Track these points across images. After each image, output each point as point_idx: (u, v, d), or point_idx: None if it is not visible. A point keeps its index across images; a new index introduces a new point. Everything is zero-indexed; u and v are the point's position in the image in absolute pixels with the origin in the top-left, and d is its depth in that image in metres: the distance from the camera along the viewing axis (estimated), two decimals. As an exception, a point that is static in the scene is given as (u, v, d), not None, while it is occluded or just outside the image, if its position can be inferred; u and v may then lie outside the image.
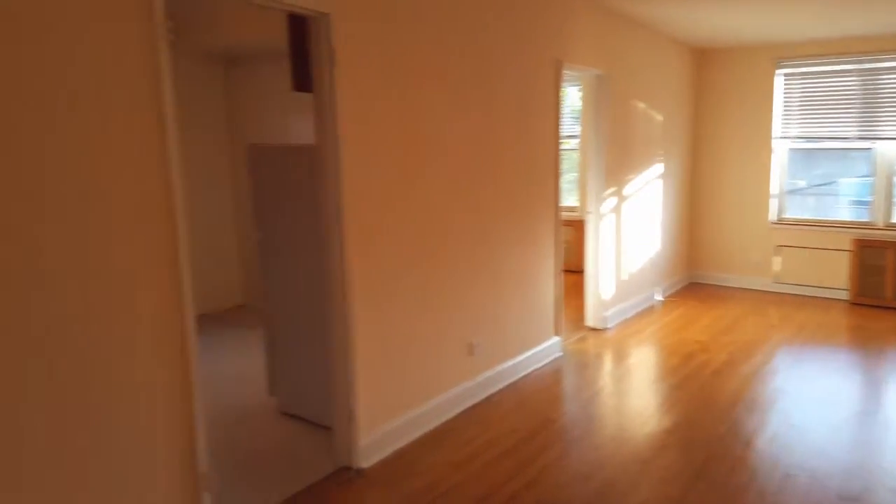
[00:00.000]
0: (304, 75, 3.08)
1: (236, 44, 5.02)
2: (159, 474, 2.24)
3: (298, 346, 3.45)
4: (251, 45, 5.00)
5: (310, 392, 3.43)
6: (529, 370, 4.42)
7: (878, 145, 6.40)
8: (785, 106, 6.82)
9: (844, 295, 6.56)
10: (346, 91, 2.87)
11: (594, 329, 5.49)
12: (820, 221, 6.79)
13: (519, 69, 4.08)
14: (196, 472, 2.36)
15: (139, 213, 2.14)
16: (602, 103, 5.25)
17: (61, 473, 1.98)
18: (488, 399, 3.92)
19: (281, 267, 3.47)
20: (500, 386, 4.11)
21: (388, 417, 3.22)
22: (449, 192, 3.55)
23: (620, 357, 4.80)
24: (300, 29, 3.04)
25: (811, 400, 3.90)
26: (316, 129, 2.91)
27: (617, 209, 5.59)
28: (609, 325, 5.55)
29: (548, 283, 4.63)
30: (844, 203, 6.84)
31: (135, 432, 2.17)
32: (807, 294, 6.81)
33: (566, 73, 4.96)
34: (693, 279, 7.52)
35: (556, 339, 4.76)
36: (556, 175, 4.62)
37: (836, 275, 6.62)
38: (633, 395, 4.08)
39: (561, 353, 4.80)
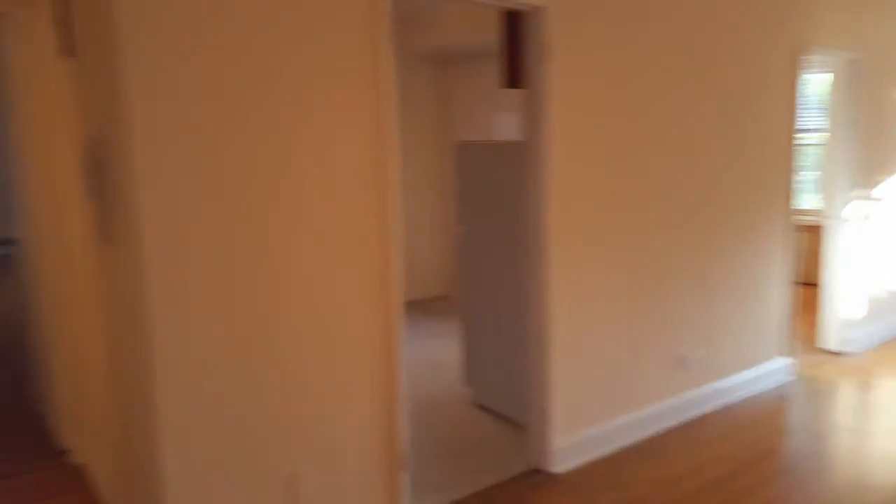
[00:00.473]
0: (514, 72, 3.09)
1: (449, 44, 5.22)
2: (365, 448, 2.40)
3: (495, 340, 3.49)
4: (463, 44, 5.16)
5: (504, 386, 3.44)
6: (748, 392, 3.97)
7: None
8: None
9: None
10: (557, 87, 2.82)
11: (832, 352, 4.76)
12: None
13: (749, 56, 3.67)
14: (395, 452, 2.47)
15: (360, 211, 2.30)
16: (854, 92, 4.53)
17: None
18: (698, 419, 3.60)
19: (480, 260, 3.53)
20: (712, 406, 3.74)
21: (584, 423, 3.11)
22: (661, 192, 3.31)
23: (865, 388, 4.11)
24: (514, 25, 3.05)
25: None
26: (523, 126, 2.90)
27: (869, 213, 4.79)
28: (853, 350, 4.78)
29: (775, 297, 4.12)
30: None
31: (347, 407, 2.34)
32: None
33: (812, 58, 4.36)
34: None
35: (783, 360, 4.22)
36: (789, 173, 4.09)
37: None
38: (880, 435, 3.46)
39: (789, 377, 4.24)
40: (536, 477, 2.95)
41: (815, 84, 6.80)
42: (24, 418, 3.37)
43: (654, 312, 3.37)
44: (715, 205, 3.61)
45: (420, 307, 5.83)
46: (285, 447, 2.21)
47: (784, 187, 4.07)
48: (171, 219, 1.88)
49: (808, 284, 6.36)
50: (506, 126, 5.67)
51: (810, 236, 6.85)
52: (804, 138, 7.19)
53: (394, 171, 2.36)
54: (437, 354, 4.57)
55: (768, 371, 4.10)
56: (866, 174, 4.73)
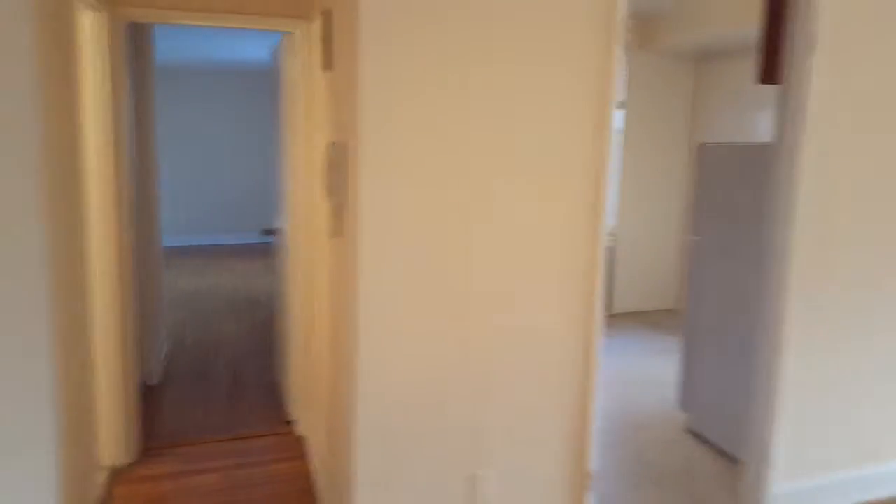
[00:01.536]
0: (772, 65, 2.73)
1: (707, 39, 4.77)
2: (551, 462, 2.37)
3: (718, 362, 3.17)
4: (722, 38, 4.67)
5: (724, 415, 3.12)
6: None
7: None
8: None
9: None
10: (823, 81, 2.41)
11: None
12: None
13: None
14: (582, 470, 2.40)
15: (571, 220, 2.23)
16: None
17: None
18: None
19: (712, 275, 3.21)
20: None
21: (817, 470, 2.70)
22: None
23: None
24: (777, 14, 2.68)
25: None
26: (776, 125, 2.56)
27: None
28: None
29: None
30: None
31: (537, 418, 2.32)
32: None
33: None
34: None
35: None
36: None
37: None
38: None
39: None
40: (750, 522, 2.66)
41: None
42: (268, 388, 3.85)
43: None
44: None
45: (649, 319, 5.53)
46: (471, 450, 2.24)
47: None
48: (390, 218, 2.00)
49: None
50: (747, 126, 5.06)
51: None
52: None
53: (606, 179, 2.25)
54: (657, 372, 4.28)
55: None
56: None
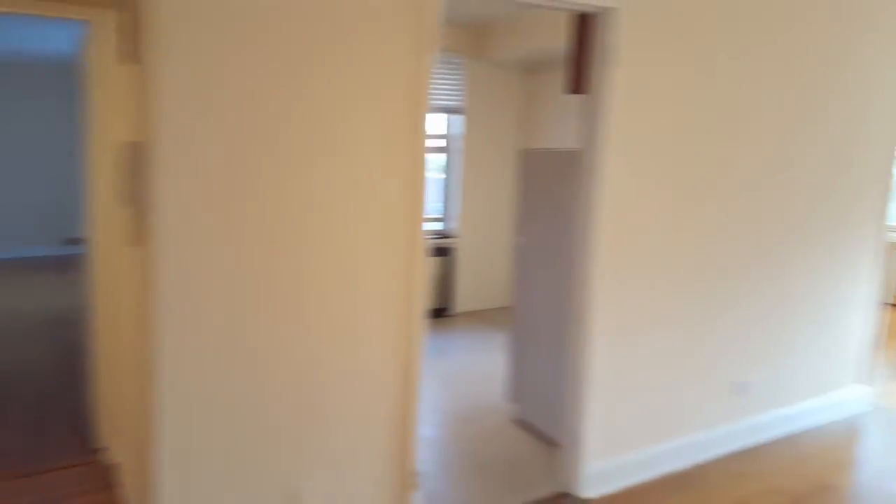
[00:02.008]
0: (579, 77, 2.97)
1: (534, 50, 5.09)
2: (374, 465, 2.39)
3: (542, 356, 3.39)
4: (548, 51, 5.00)
5: (547, 404, 3.34)
6: (819, 421, 3.70)
7: None
8: None
9: None
10: (622, 93, 2.66)
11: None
12: None
13: (848, 59, 3.34)
14: (406, 471, 2.45)
15: (388, 219, 2.27)
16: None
17: (291, 450, 2.24)
18: (753, 449, 3.38)
19: (535, 273, 3.43)
20: (771, 435, 3.51)
21: (623, 447, 2.98)
22: (734, 211, 3.10)
23: (956, 425, 3.75)
24: (583, 29, 2.92)
25: None
26: (581, 133, 2.79)
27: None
28: (946, 379, 4.38)
29: (858, 320, 3.80)
30: None
31: (357, 422, 2.33)
32: None
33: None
34: None
35: (861, 388, 3.91)
36: (885, 190, 3.73)
37: None
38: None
39: (866, 407, 3.93)
40: (564, 501, 2.86)
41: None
42: (75, 414, 3.50)
43: (714, 333, 3.18)
44: (797, 220, 3.34)
45: (488, 317, 5.76)
46: (289, 461, 2.21)
47: (878, 204, 3.72)
48: (186, 223, 1.91)
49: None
50: (569, 133, 5.49)
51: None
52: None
53: (424, 181, 2.32)
54: (491, 367, 4.48)
55: (843, 399, 3.81)
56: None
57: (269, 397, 2.14)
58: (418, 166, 2.30)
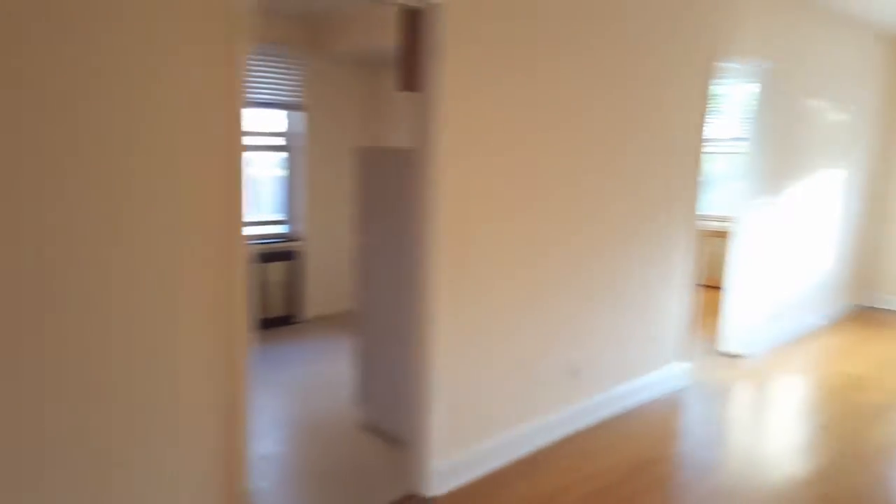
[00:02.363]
0: (409, 74, 2.94)
1: (374, 46, 5.02)
2: (193, 494, 2.22)
3: (387, 357, 3.33)
4: (383, 47, 4.96)
5: (395, 406, 3.30)
6: (646, 398, 4.00)
7: None
8: None
9: None
10: (453, 90, 2.66)
11: (732, 355, 4.88)
12: None
13: (663, 61, 3.62)
14: (237, 491, 2.30)
15: (202, 224, 2.10)
16: (767, 100, 4.59)
17: (90, 476, 2.01)
18: (592, 428, 3.58)
19: (377, 273, 3.37)
20: (608, 413, 3.74)
21: (469, 441, 3.01)
22: (560, 201, 3.24)
23: (758, 389, 4.21)
24: (411, 26, 2.89)
25: None
26: (415, 131, 2.76)
27: (773, 220, 4.90)
28: (751, 352, 4.91)
29: (676, 301, 4.15)
30: None
31: (171, 440, 2.16)
32: None
33: (727, 66, 4.38)
34: (867, 302, 6.49)
35: (681, 364, 4.27)
36: (696, 179, 4.10)
37: None
38: (763, 436, 3.54)
39: (686, 381, 4.31)
40: (409, 503, 2.85)
41: (740, 94, 6.94)
42: None
43: (547, 322, 3.31)
44: (618, 211, 3.57)
45: (338, 321, 5.59)
46: (99, 487, 1.99)
47: (690, 193, 4.08)
48: None
49: (717, 288, 6.53)
50: (403, 131, 5.51)
51: (722, 241, 7.05)
52: (728, 146, 7.39)
53: (241, 182, 2.17)
54: (339, 373, 4.33)
55: (666, 376, 4.15)
56: (775, 181, 4.82)
57: (70, 416, 1.89)
58: (234, 165, 2.13)
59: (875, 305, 6.44)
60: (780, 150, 4.84)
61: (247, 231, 2.21)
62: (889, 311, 6.30)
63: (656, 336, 4.04)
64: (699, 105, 4.00)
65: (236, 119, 2.13)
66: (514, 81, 2.91)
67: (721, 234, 6.97)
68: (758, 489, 2.97)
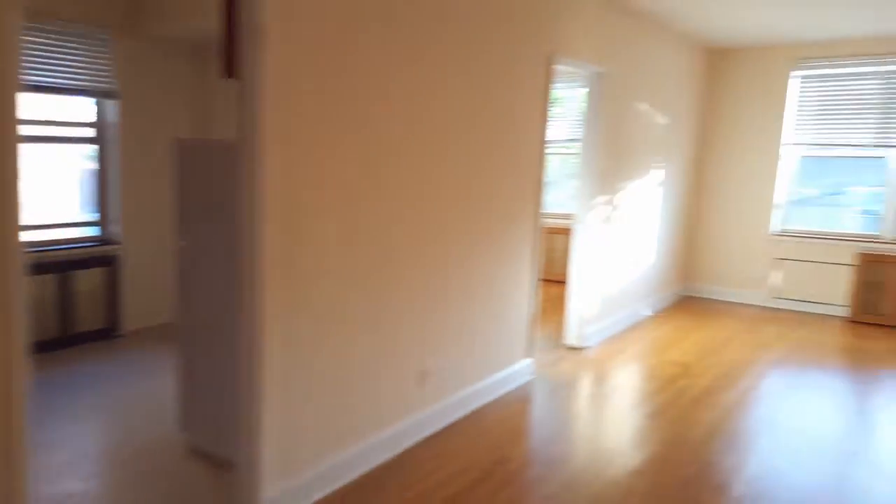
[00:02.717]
0: (230, 59, 2.61)
1: (197, 28, 4.55)
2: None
3: (214, 375, 2.98)
4: (208, 29, 4.51)
5: (225, 427, 2.96)
6: (496, 396, 3.97)
7: (893, 153, 5.91)
8: (799, 110, 6.32)
9: (844, 311, 6.12)
10: (278, 79, 2.38)
11: (574, 348, 5.04)
12: (823, 234, 6.33)
13: (501, 60, 3.59)
14: None
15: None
16: (599, 103, 4.76)
17: None
18: (447, 430, 3.47)
19: (201, 280, 3.00)
20: (462, 414, 3.66)
21: (309, 461, 2.76)
22: (402, 198, 3.08)
23: (596, 381, 4.36)
24: (229, 6, 2.57)
25: (796, 434, 3.45)
26: (237, 122, 2.46)
27: (607, 218, 5.12)
28: (590, 344, 5.10)
29: (523, 299, 4.18)
30: (852, 214, 6.36)
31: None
32: (805, 310, 6.37)
33: (564, 69, 4.48)
34: (688, 292, 7.07)
35: (528, 361, 4.32)
36: (539, 178, 4.15)
37: (837, 290, 6.17)
38: (603, 427, 3.64)
39: (534, 377, 4.36)
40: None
41: (575, 97, 7.24)
42: None
43: (397, 325, 3.14)
44: (467, 210, 3.48)
45: (163, 333, 5.01)
46: None
47: (534, 192, 4.11)
48: None
49: (562, 283, 6.77)
50: (226, 122, 5.11)
51: (565, 238, 7.35)
52: (568, 147, 7.70)
53: (16, 177, 1.77)
54: (159, 392, 3.83)
55: (515, 372, 4.16)
56: (609, 180, 5.03)
57: None
58: (7, 160, 1.73)
59: (696, 294, 7.02)
60: (611, 150, 5.07)
61: (42, 235, 1.80)
62: (707, 299, 6.90)
63: (506, 334, 4.03)
64: (541, 106, 4.04)
65: (9, 105, 1.73)
66: (349, 72, 2.70)
67: (564, 231, 7.26)
68: (599, 481, 3.01)
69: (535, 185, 4.13)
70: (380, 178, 2.93)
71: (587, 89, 4.76)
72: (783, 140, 6.37)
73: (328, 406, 2.82)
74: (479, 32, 3.42)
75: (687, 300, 6.82)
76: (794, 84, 6.30)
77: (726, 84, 6.62)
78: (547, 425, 3.66)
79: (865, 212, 6.23)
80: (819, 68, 6.15)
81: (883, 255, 5.84)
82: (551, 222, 7.54)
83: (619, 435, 3.54)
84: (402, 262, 3.12)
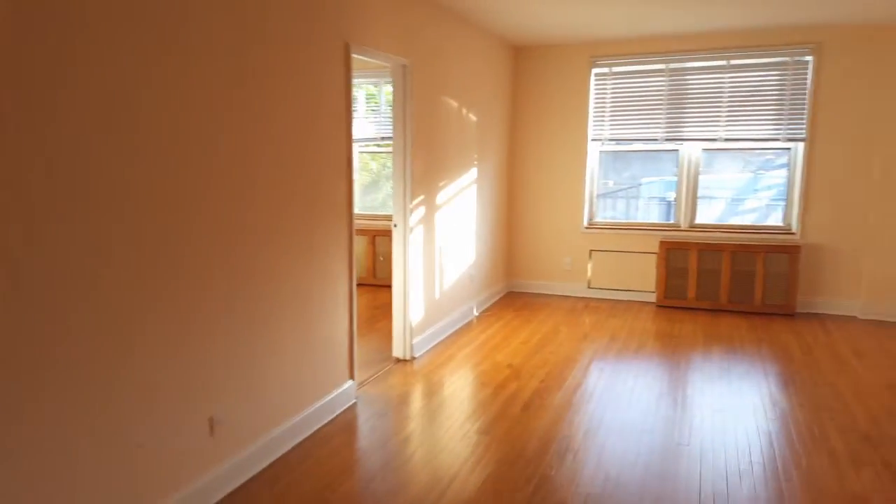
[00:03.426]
0: None
1: None
2: None
3: None
4: None
5: None
6: (315, 429, 3.50)
7: (684, 146, 6.34)
8: (596, 107, 6.56)
9: (653, 297, 6.48)
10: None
11: (402, 360, 4.71)
12: (629, 224, 6.65)
13: (288, 50, 3.11)
14: None
15: None
16: (408, 98, 4.45)
17: None
18: (253, 483, 2.94)
19: None
20: (272, 460, 3.14)
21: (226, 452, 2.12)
22: (186, 206, 2.51)
23: (427, 394, 4.06)
24: None
25: (625, 432, 3.41)
26: None
27: (427, 219, 4.85)
28: (418, 354, 4.81)
29: (340, 314, 3.74)
30: (653, 205, 6.77)
31: None
32: (619, 298, 6.65)
33: (375, 62, 4.10)
34: (512, 288, 7.09)
35: (350, 383, 3.89)
36: (349, 180, 3.74)
37: (646, 277, 6.52)
38: (437, 449, 3.32)
39: (355, 400, 3.94)
40: None
41: (385, 93, 6.92)
42: None
43: (175, 363, 2.56)
44: (265, 219, 2.97)
45: None
46: None
47: (344, 194, 3.69)
48: None
49: (389, 287, 6.39)
50: None
51: (391, 241, 7.04)
52: (386, 146, 7.36)
53: None
54: None
55: (335, 398, 3.71)
56: (426, 180, 4.76)
57: None
58: None
59: (519, 290, 7.06)
60: (425, 149, 4.81)
61: None
62: (530, 293, 6.96)
63: (322, 356, 3.57)
64: (341, 101, 3.64)
65: None
66: (86, 67, 2.08)
67: (389, 234, 6.97)
68: (429, 489, 2.68)
69: (345, 186, 3.71)
70: (129, 184, 2.33)
71: (393, 83, 4.44)
72: (590, 136, 6.59)
73: (69, 481, 2.17)
74: (258, 19, 2.93)
75: (511, 296, 6.83)
76: (593, 81, 6.53)
77: (534, 82, 6.71)
78: (375, 455, 3.26)
79: (663, 201, 6.65)
80: (612, 66, 6.42)
81: (682, 242, 6.24)
82: (378, 224, 7.19)
83: (454, 456, 3.25)
84: (181, 283, 2.55)
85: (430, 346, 4.99)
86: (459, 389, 4.16)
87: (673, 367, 4.57)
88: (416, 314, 4.78)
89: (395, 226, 4.61)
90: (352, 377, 3.91)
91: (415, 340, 4.75)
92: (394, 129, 4.51)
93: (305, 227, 3.35)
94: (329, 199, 3.56)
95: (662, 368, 4.55)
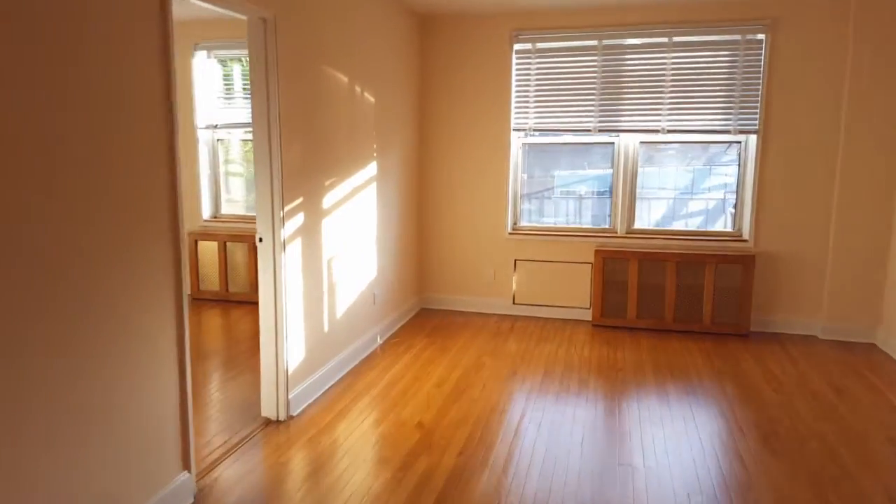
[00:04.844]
0: None
1: None
2: None
3: None
4: None
5: None
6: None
7: (620, 139, 5.43)
8: (518, 91, 5.53)
9: (588, 315, 5.55)
10: None
11: (273, 421, 3.50)
12: (559, 230, 5.69)
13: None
14: None
15: None
16: (271, 65, 3.24)
17: None
18: None
19: None
20: None
21: None
22: None
23: (306, 481, 2.88)
24: None
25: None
26: None
27: (310, 228, 3.65)
28: (297, 410, 3.61)
29: (162, 380, 2.50)
30: (586, 208, 5.83)
31: None
32: (549, 316, 5.68)
33: (232, 16, 2.83)
34: (426, 304, 5.98)
35: (184, 476, 2.66)
36: (172, 180, 2.50)
37: (579, 291, 5.58)
38: None
39: (191, 501, 2.71)
40: None
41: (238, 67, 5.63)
42: None
43: None
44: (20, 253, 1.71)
45: None
46: None
47: (167, 198, 2.46)
48: None
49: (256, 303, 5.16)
50: None
51: (251, 248, 5.74)
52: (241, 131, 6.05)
53: None
54: None
55: (165, 499, 2.49)
56: (303, 179, 3.56)
57: None
58: None
59: (433, 307, 5.97)
60: (302, 135, 3.61)
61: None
62: (446, 310, 5.88)
63: (138, 446, 2.32)
64: (156, 67, 2.39)
65: None
66: None
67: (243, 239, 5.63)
68: None
69: (165, 190, 2.47)
70: None
71: (249, 43, 3.21)
72: (512, 125, 5.57)
73: None
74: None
75: (425, 315, 5.72)
76: (515, 60, 5.51)
77: (446, 59, 5.61)
78: None
79: (599, 202, 5.73)
80: (536, 42, 5.42)
81: (619, 250, 5.33)
82: (240, 227, 5.89)
83: None
84: None
85: (315, 397, 3.81)
86: (349, 471, 3.00)
87: (625, 419, 3.60)
88: (296, 357, 3.58)
89: (261, 240, 3.39)
90: (186, 468, 2.67)
91: (293, 393, 3.55)
92: (252, 108, 3.28)
93: (84, 254, 2.09)
94: (135, 207, 2.31)
95: (612, 421, 3.57)
